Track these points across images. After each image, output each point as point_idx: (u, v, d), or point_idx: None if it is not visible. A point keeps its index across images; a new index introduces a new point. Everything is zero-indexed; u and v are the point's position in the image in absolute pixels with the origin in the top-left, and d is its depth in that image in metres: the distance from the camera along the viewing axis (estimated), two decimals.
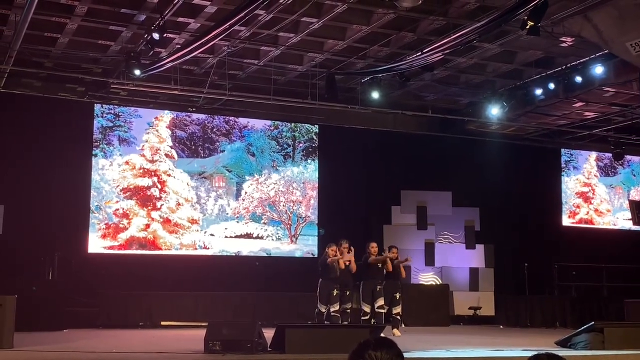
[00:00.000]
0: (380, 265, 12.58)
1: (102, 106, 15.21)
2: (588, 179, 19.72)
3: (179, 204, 15.46)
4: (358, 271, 12.58)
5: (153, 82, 13.81)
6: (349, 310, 12.41)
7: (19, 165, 13.94)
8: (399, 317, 12.73)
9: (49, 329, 11.94)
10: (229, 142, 16.18)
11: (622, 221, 19.64)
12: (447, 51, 11.68)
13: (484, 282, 16.71)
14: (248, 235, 16.01)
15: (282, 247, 16.31)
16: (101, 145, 15.15)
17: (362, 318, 12.38)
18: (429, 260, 16.72)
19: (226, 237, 15.82)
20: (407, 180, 16.99)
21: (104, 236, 14.88)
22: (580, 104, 15.76)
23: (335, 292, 12.05)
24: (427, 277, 16.67)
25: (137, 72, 12.06)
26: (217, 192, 15.92)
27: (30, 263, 13.33)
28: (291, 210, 16.52)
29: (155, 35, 10.97)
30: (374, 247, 12.71)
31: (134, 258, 14.87)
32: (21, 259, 13.33)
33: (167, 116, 15.67)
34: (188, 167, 15.72)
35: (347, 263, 12.23)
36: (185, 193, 15.57)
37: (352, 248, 12.42)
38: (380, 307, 12.30)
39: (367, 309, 12.39)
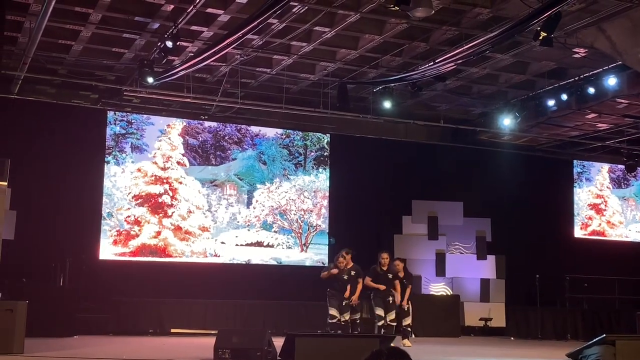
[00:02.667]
0: (390, 276, 12.53)
1: (115, 113, 15.28)
2: (600, 190, 19.62)
3: (190, 212, 15.49)
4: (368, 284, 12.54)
5: (166, 90, 13.88)
6: (358, 321, 12.36)
7: (32, 172, 13.99)
8: (409, 329, 12.70)
9: (59, 335, 11.97)
10: (240, 150, 16.21)
11: (635, 233, 19.53)
12: (460, 61, 11.67)
13: (495, 293, 16.62)
14: (259, 244, 16.02)
15: (293, 255, 16.30)
16: (113, 152, 15.21)
17: (378, 324, 12.27)
18: (440, 270, 16.66)
19: (237, 245, 15.82)
20: (418, 190, 16.96)
21: (115, 243, 14.92)
22: (593, 115, 15.70)
23: (345, 302, 12.02)
24: (438, 288, 16.60)
25: (150, 79, 12.11)
26: (228, 200, 15.94)
27: (41, 269, 13.37)
28: (302, 219, 16.52)
29: (169, 43, 11.02)
30: (384, 257, 12.65)
31: (144, 265, 14.89)
32: (33, 265, 13.37)
33: (179, 124, 15.72)
34: (200, 174, 15.76)
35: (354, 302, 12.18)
36: (196, 201, 15.60)
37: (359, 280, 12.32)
38: (393, 320, 12.28)
39: (381, 313, 12.31)
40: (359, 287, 12.19)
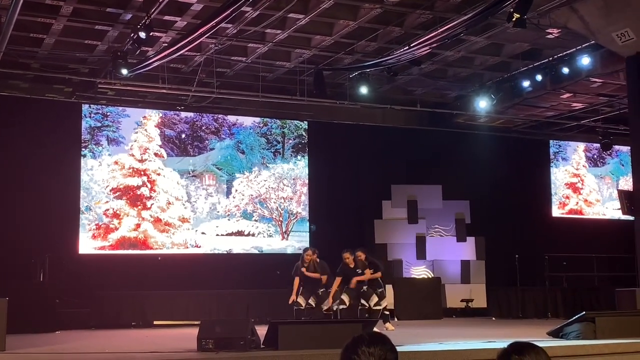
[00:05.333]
0: (359, 271, 12.40)
1: (89, 106, 15.15)
2: (577, 169, 19.80)
3: (169, 203, 15.43)
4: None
5: (141, 81, 13.78)
6: (342, 309, 12.36)
7: (7, 167, 13.88)
8: (387, 312, 12.70)
9: (41, 330, 11.89)
10: (218, 140, 16.15)
11: (612, 211, 19.73)
12: (435, 45, 11.71)
13: (476, 274, 16.75)
14: (239, 233, 16.00)
15: (274, 243, 16.30)
16: (90, 146, 15.10)
17: (341, 307, 12.22)
18: (421, 254, 16.73)
19: (217, 235, 15.80)
20: (397, 174, 17.01)
21: (94, 237, 14.83)
22: (567, 95, 15.84)
23: (321, 291, 12.07)
24: (419, 271, 16.69)
25: (125, 71, 12.02)
26: (207, 190, 15.90)
27: (21, 265, 13.26)
28: (282, 207, 16.51)
29: (142, 34, 10.94)
30: (347, 257, 12.40)
31: (125, 258, 14.83)
32: (12, 261, 13.25)
33: (155, 115, 15.62)
34: (178, 165, 15.69)
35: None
36: (175, 192, 15.54)
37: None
38: (377, 304, 12.27)
39: (346, 300, 12.29)
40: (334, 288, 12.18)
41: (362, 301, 12.29)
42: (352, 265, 12.21)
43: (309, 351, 7.31)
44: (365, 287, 12.33)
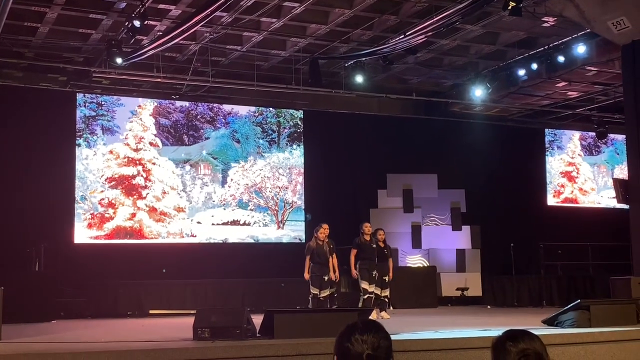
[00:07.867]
0: (374, 245, 12.47)
1: (84, 95, 15.10)
2: (572, 158, 19.83)
3: (164, 193, 15.41)
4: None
5: (135, 70, 13.74)
6: (335, 295, 12.39)
7: (2, 157, 13.83)
8: (387, 300, 12.74)
9: (37, 320, 11.87)
10: (213, 129, 16.12)
11: (607, 199, 19.78)
12: (430, 33, 11.70)
13: (471, 263, 16.78)
14: (235, 222, 16.00)
15: (270, 233, 16.31)
16: (84, 135, 15.06)
17: (363, 297, 12.23)
18: (416, 242, 16.76)
19: (213, 224, 15.79)
20: (393, 163, 17.01)
21: (90, 226, 14.81)
22: (563, 83, 15.82)
23: (326, 278, 12.03)
24: (415, 260, 16.72)
25: (119, 60, 12.00)
26: (202, 179, 15.88)
27: (16, 255, 13.24)
28: (278, 196, 16.51)
29: (136, 23, 10.90)
30: (367, 227, 12.56)
31: (120, 248, 14.82)
32: (7, 251, 13.23)
33: (150, 104, 15.58)
34: (173, 155, 15.67)
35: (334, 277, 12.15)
36: (170, 181, 15.53)
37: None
38: (374, 289, 12.30)
39: (367, 287, 12.26)
40: (335, 262, 12.19)
41: (364, 286, 12.33)
42: (367, 238, 12.30)
43: (305, 340, 7.32)
44: (375, 272, 12.34)
